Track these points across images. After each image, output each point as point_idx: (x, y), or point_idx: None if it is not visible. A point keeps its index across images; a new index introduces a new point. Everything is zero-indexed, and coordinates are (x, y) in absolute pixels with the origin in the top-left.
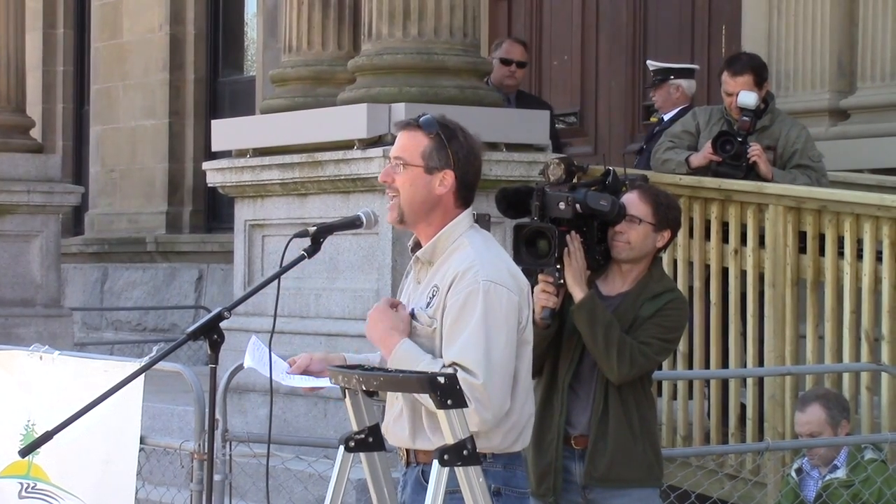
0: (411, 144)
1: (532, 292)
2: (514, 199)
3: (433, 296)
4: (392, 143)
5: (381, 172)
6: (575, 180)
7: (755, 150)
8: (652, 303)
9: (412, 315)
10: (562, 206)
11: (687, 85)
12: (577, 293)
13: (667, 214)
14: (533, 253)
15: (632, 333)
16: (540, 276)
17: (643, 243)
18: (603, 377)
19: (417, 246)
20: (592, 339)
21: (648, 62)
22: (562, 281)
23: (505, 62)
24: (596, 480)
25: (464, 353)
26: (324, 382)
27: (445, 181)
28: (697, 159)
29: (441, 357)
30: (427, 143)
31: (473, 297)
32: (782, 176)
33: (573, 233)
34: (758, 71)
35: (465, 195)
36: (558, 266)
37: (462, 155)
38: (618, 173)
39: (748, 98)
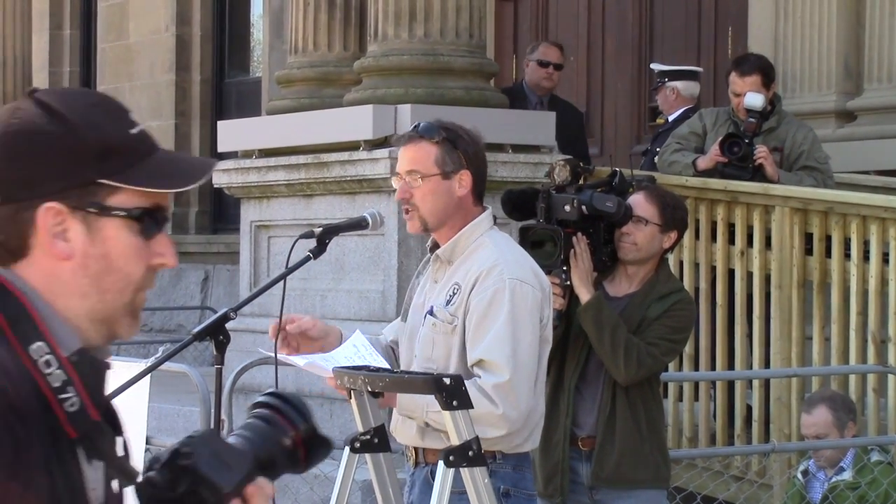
0: (421, 155)
1: None
2: (520, 201)
3: (454, 293)
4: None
5: (397, 193)
6: (581, 182)
7: (761, 153)
8: (659, 303)
9: (430, 313)
10: (567, 207)
11: (683, 87)
12: (584, 294)
13: (673, 215)
14: (539, 255)
15: (639, 334)
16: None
17: (650, 244)
18: (610, 378)
19: (436, 245)
20: (599, 340)
21: (652, 65)
22: (568, 282)
23: (542, 64)
24: (603, 481)
25: (491, 350)
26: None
27: (464, 182)
28: (704, 162)
29: (454, 353)
30: (436, 150)
31: (500, 296)
32: (788, 178)
33: (579, 234)
34: (766, 71)
35: (480, 191)
36: (564, 268)
37: (472, 152)
38: (624, 174)
39: (755, 100)
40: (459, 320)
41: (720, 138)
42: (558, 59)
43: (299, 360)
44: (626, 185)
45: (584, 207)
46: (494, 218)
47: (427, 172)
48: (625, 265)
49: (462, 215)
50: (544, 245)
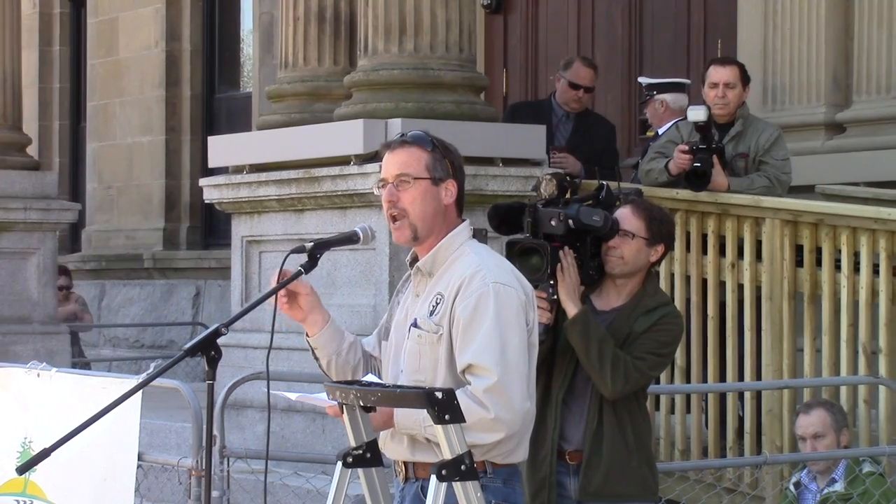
0: (412, 160)
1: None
2: (507, 216)
3: (438, 303)
4: None
5: (384, 197)
6: (568, 196)
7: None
8: (646, 317)
9: (414, 325)
10: (554, 222)
11: (672, 99)
12: (571, 309)
13: (660, 229)
14: (526, 269)
15: (626, 348)
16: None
17: (636, 258)
18: (597, 392)
19: (415, 259)
20: (586, 354)
21: (640, 79)
22: (555, 296)
23: (573, 86)
24: (590, 495)
25: (479, 354)
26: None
27: (450, 191)
28: (675, 168)
29: (441, 363)
30: (427, 156)
31: (485, 300)
32: (738, 183)
33: (566, 248)
34: (743, 68)
35: (462, 204)
36: (552, 282)
37: (458, 164)
38: (611, 188)
39: (697, 113)
40: (445, 329)
41: (682, 163)
42: (590, 83)
43: (291, 395)
44: (613, 199)
45: (570, 221)
46: (485, 231)
47: (418, 175)
48: (612, 279)
49: (446, 226)
50: (531, 259)
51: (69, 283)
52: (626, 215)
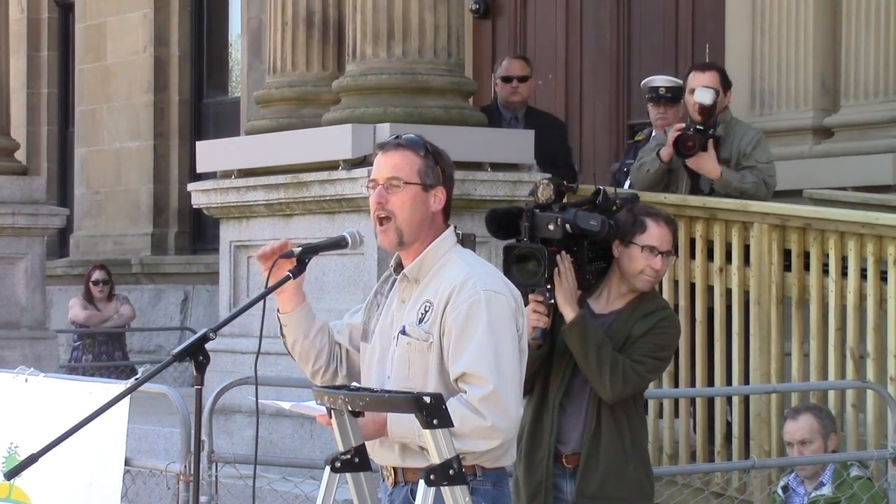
0: (405, 163)
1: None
2: (504, 221)
3: (427, 311)
4: None
5: (372, 198)
6: (564, 200)
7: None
8: (644, 321)
9: (403, 332)
10: (551, 226)
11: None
12: (569, 313)
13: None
14: (523, 274)
15: (624, 352)
16: (531, 297)
17: (664, 272)
18: (594, 395)
19: (399, 265)
20: (584, 358)
21: (656, 78)
22: (552, 301)
23: (505, 80)
24: (587, 498)
25: (474, 363)
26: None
27: (439, 198)
28: (666, 153)
29: (431, 371)
30: (420, 162)
31: (476, 307)
32: (730, 174)
33: (563, 253)
34: (724, 73)
35: (449, 211)
36: (549, 286)
37: (449, 172)
38: (608, 192)
39: (703, 95)
40: (435, 337)
41: (673, 136)
42: (521, 72)
43: (284, 404)
44: (609, 203)
45: (567, 226)
46: (474, 236)
47: (410, 180)
48: (614, 283)
49: (432, 233)
50: (528, 264)
51: (105, 276)
52: (664, 235)
